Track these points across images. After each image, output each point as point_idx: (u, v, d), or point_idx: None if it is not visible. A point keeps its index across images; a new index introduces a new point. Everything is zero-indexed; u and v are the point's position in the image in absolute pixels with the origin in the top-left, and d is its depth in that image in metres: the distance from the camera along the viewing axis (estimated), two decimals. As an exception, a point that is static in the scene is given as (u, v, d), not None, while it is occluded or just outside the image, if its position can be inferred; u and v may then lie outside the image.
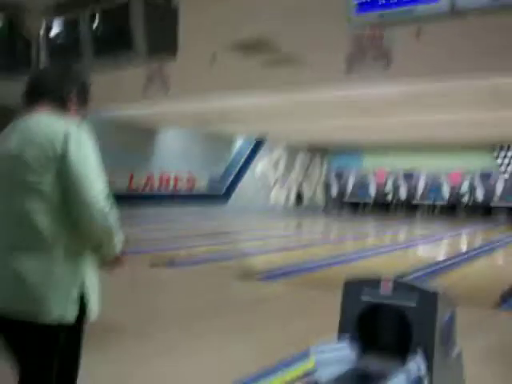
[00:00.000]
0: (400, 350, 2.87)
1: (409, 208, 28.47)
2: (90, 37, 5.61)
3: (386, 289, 2.86)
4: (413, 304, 2.79)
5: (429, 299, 2.77)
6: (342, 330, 2.99)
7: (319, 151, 29.39)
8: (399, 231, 19.92)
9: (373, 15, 4.97)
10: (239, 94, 11.68)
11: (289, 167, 27.65)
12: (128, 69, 5.39)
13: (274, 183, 26.74)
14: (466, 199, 27.03)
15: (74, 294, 2.25)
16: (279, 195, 27.06)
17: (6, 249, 2.26)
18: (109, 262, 2.39)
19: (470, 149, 25.35)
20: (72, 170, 2.21)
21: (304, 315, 6.42)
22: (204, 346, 5.03)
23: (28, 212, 2.23)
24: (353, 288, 2.98)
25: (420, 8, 4.59)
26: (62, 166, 2.21)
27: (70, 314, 2.24)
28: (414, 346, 2.80)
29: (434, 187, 27.46)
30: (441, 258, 12.17)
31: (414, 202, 28.13)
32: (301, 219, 23.52)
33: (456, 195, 27.07)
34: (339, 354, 2.93)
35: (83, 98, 2.56)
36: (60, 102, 2.43)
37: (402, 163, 27.87)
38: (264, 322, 6.05)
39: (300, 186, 28.54)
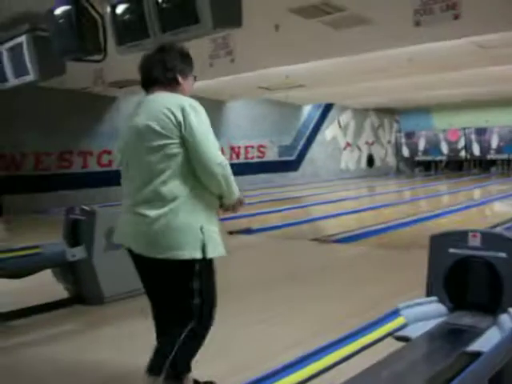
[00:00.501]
0: (491, 303, 2.83)
1: (483, 164, 27.82)
2: (155, 12, 5.62)
3: (474, 240, 2.81)
4: (503, 254, 2.73)
5: (519, 251, 2.71)
6: (431, 284, 2.96)
7: (388, 112, 28.92)
8: (474, 188, 19.46)
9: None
10: (305, 58, 11.56)
11: (358, 130, 27.31)
12: (193, 41, 5.37)
13: (345, 147, 26.49)
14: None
15: (197, 237, 2.74)
16: (350, 159, 26.82)
17: (139, 203, 2.80)
18: (230, 207, 2.97)
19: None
20: (193, 134, 2.73)
21: (386, 275, 6.40)
22: (286, 311, 5.08)
23: (158, 171, 2.75)
24: (440, 241, 2.94)
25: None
26: (184, 132, 2.73)
27: (197, 252, 2.74)
28: (505, 298, 2.75)
29: (507, 141, 26.62)
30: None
31: (489, 157, 27.38)
32: (373, 181, 23.29)
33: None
34: (429, 309, 2.91)
35: (188, 68, 3.04)
36: (170, 82, 2.94)
37: (473, 119, 27.12)
38: (345, 284, 6.07)
39: (370, 148, 28.20)
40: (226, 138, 19.98)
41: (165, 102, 2.80)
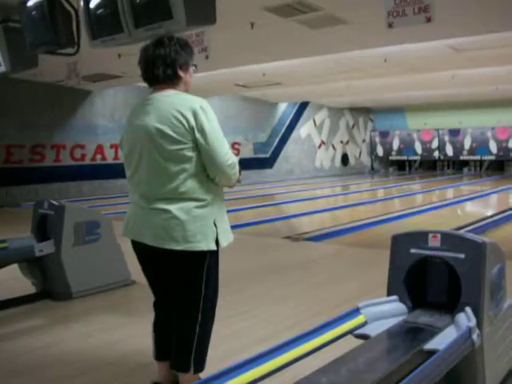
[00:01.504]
0: (449, 303, 2.89)
1: (456, 164, 28.15)
2: (128, 7, 5.60)
3: (434, 241, 2.86)
4: (461, 255, 2.79)
5: (477, 250, 2.77)
6: (392, 284, 3.02)
7: (363, 111, 29.11)
8: (447, 188, 19.68)
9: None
10: (280, 56, 11.61)
11: (333, 129, 27.45)
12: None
13: (320, 145, 26.61)
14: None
15: (211, 229, 2.94)
16: (325, 157, 26.94)
17: (155, 200, 2.92)
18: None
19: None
20: (206, 138, 2.84)
21: (354, 274, 6.46)
22: (256, 307, 5.12)
23: (175, 173, 2.87)
24: (401, 241, 2.99)
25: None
26: (197, 135, 2.83)
27: (211, 243, 2.94)
28: (463, 297, 2.80)
29: (480, 143, 26.94)
30: (489, 214, 11.99)
31: (461, 158, 27.68)
32: (347, 179, 23.42)
33: (504, 150, 26.52)
34: (388, 308, 2.96)
35: (188, 58, 3.05)
36: (171, 78, 2.97)
37: (446, 120, 27.41)
38: (315, 282, 6.12)
39: (345, 146, 28.36)
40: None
41: (175, 104, 2.87)
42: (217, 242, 2.98)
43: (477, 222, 10.05)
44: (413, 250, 2.91)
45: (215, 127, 2.89)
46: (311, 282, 6.14)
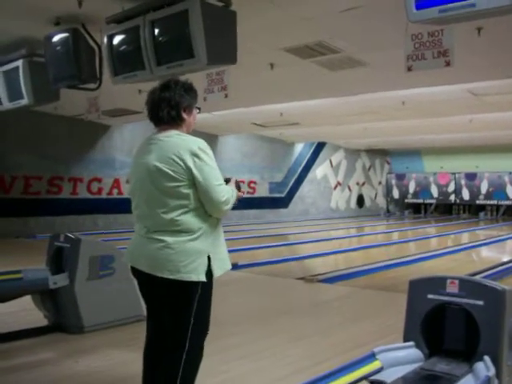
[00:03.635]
0: (467, 351, 2.83)
1: (472, 209, 27.96)
2: (151, 45, 5.67)
3: (452, 287, 2.82)
4: (480, 302, 2.74)
5: (497, 297, 2.72)
6: (409, 329, 2.97)
7: (379, 153, 29.12)
8: (463, 232, 19.53)
9: (432, 11, 4.89)
10: (298, 97, 11.68)
11: (349, 170, 27.45)
12: (189, 75, 5.41)
13: (335, 186, 26.59)
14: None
15: (204, 262, 3.06)
16: (340, 198, 26.89)
17: (154, 231, 3.09)
18: None
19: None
20: (202, 177, 3.03)
21: (368, 317, 6.38)
22: (270, 348, 5.06)
23: (172, 207, 3.05)
24: (419, 286, 2.95)
25: (480, 2, 4.50)
26: (194, 175, 3.02)
27: (201, 276, 3.05)
28: (481, 346, 2.75)
29: (497, 187, 26.81)
30: (506, 259, 11.85)
31: (478, 202, 27.52)
32: (363, 221, 23.33)
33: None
34: (405, 354, 2.91)
35: (192, 101, 3.26)
36: (175, 120, 3.18)
37: (463, 164, 27.34)
38: (328, 324, 6.04)
39: (361, 188, 28.32)
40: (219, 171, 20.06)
41: (174, 145, 3.09)
42: (211, 274, 3.11)
43: (493, 267, 9.93)
44: (430, 296, 2.87)
45: (211, 168, 3.09)
46: (324, 324, 6.07)
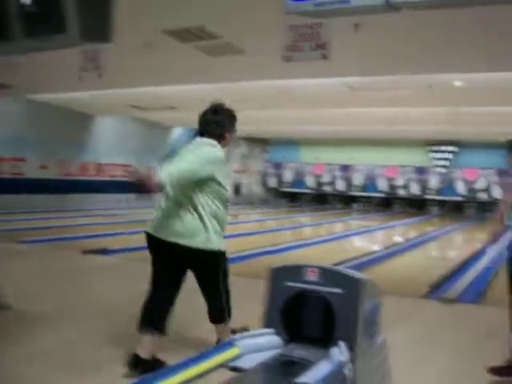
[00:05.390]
0: (325, 337, 2.88)
1: (346, 199, 28.84)
2: (19, 15, 5.38)
3: (311, 275, 2.86)
4: (337, 290, 2.80)
5: (353, 286, 2.79)
6: (268, 316, 2.99)
7: (258, 142, 29.42)
8: (336, 222, 20.12)
9: (307, 5, 4.94)
10: (177, 81, 11.57)
11: (227, 157, 27.48)
12: (61, 52, 5.21)
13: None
14: (401, 192, 27.52)
15: (216, 234, 4.18)
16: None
17: (176, 207, 4.13)
18: None
19: (405, 144, 25.85)
20: (215, 178, 4.18)
21: (238, 304, 6.39)
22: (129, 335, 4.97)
23: (191, 195, 4.12)
24: (278, 274, 2.97)
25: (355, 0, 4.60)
26: (210, 174, 4.14)
27: (222, 245, 4.27)
28: (338, 332, 2.81)
29: (371, 179, 27.85)
30: (374, 249, 12.32)
31: (351, 193, 28.46)
32: (238, 209, 23.49)
33: (392, 188, 27.54)
34: (264, 341, 2.93)
35: (233, 126, 4.50)
36: (218, 135, 4.36)
37: (338, 156, 28.17)
38: (194, 311, 5.99)
39: (238, 176, 28.51)
40: (93, 154, 19.60)
41: (202, 152, 4.22)
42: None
43: (362, 256, 10.30)
44: (290, 284, 2.89)
45: (223, 172, 4.30)
46: (188, 311, 6.01)
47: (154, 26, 7.80)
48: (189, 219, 4.08)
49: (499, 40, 7.28)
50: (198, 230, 4.07)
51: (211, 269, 4.25)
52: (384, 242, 14.93)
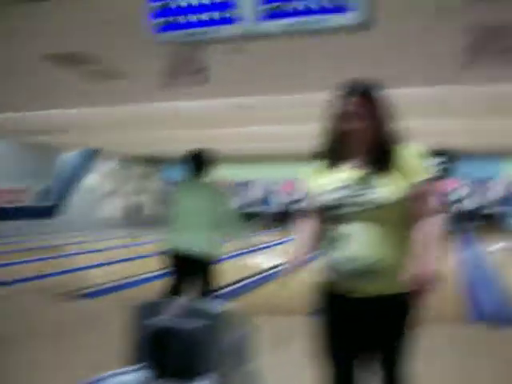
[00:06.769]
0: (189, 370, 2.91)
1: (246, 216, 28.92)
2: None
3: (169, 311, 2.89)
4: (198, 324, 2.84)
5: (213, 319, 2.84)
6: (131, 355, 2.98)
7: (154, 162, 29.15)
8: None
9: (180, 34, 5.04)
10: (59, 106, 11.37)
11: (124, 179, 27.13)
12: None
13: (107, 196, 26.08)
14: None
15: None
16: (113, 208, 26.44)
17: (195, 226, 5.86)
18: None
19: (294, 159, 26.25)
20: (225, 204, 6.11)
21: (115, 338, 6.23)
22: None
23: (205, 210, 5.91)
24: (139, 311, 2.98)
25: (223, 29, 4.74)
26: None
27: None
28: (201, 364, 2.84)
29: (267, 195, 28.27)
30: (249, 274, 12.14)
31: (247, 210, 28.61)
32: (136, 231, 23.13)
33: (286, 204, 28.07)
34: (131, 378, 2.91)
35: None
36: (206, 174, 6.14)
37: (236, 173, 28.36)
38: (68, 348, 5.75)
39: (136, 197, 28.15)
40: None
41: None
42: None
43: (254, 275, 10.31)
44: (149, 321, 2.91)
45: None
46: (66, 346, 5.86)
47: (34, 50, 7.61)
48: None
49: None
50: None
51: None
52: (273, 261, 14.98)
